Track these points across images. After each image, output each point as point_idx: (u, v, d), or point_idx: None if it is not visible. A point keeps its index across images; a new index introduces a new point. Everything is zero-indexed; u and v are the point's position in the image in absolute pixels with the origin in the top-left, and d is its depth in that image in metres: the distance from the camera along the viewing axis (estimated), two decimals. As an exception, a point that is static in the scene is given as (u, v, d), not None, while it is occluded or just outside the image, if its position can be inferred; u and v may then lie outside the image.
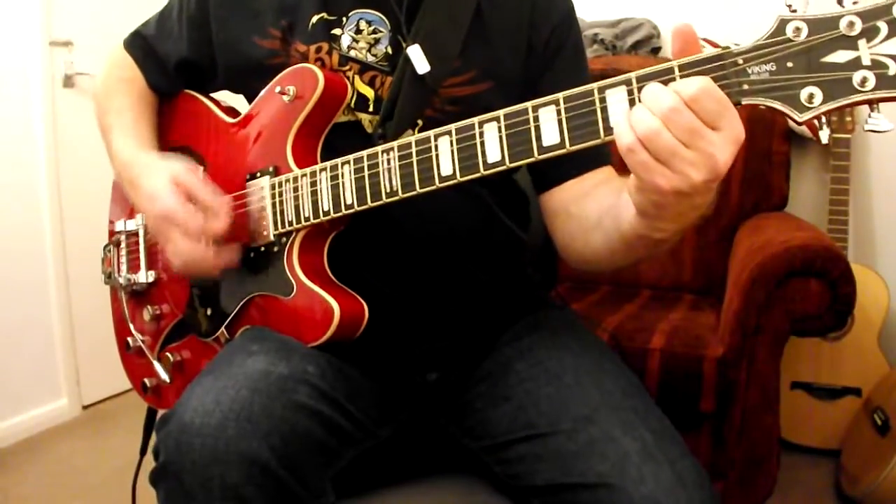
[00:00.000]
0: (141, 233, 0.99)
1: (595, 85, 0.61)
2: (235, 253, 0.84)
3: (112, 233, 1.06)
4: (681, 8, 2.18)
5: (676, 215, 0.61)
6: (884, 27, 0.52)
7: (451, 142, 0.69)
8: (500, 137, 0.66)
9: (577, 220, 0.83)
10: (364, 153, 0.76)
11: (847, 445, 1.79)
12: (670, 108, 0.55)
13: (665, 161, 0.56)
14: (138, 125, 0.95)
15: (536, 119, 0.64)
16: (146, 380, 1.00)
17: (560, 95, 0.63)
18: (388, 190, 0.74)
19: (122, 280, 1.01)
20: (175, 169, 0.84)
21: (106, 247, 1.06)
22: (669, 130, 0.55)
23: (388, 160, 0.74)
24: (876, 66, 0.52)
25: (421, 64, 0.82)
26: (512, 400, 0.81)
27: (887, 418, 1.64)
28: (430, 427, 0.91)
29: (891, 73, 0.52)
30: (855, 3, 0.53)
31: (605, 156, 0.86)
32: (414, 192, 0.72)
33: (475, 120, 0.68)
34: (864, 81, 0.53)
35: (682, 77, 0.58)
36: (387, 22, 0.86)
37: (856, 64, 0.53)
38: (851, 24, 0.53)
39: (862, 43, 0.53)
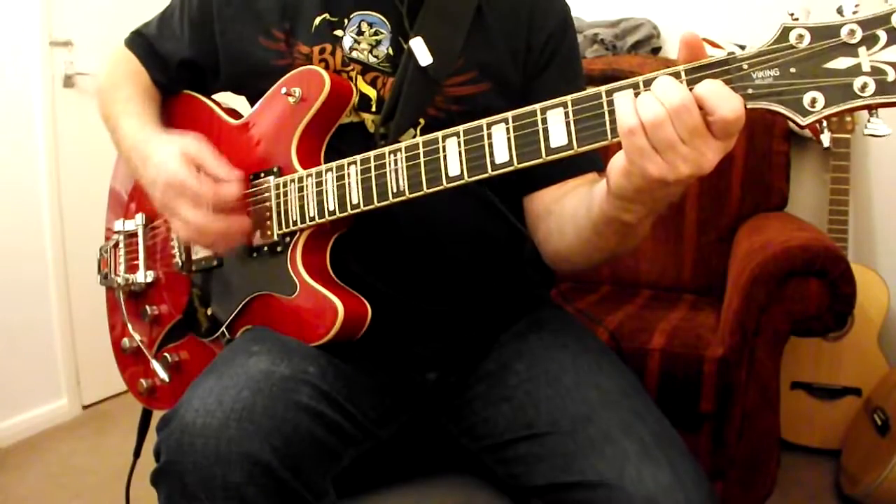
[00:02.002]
0: (140, 233, 0.99)
1: (603, 88, 0.62)
2: (246, 224, 0.83)
3: (109, 234, 1.06)
4: (681, 8, 2.18)
5: (651, 200, 0.64)
6: (883, 35, 0.54)
7: (459, 142, 0.70)
8: (509, 139, 0.67)
9: (555, 216, 0.84)
10: (371, 154, 0.76)
11: (847, 445, 1.80)
12: (681, 104, 0.57)
13: (661, 151, 0.58)
14: (146, 112, 0.94)
15: (545, 121, 0.65)
16: (142, 381, 1.00)
17: (568, 98, 0.64)
18: (395, 190, 0.74)
19: (119, 280, 1.01)
20: (184, 142, 0.82)
21: (102, 248, 1.06)
22: (673, 125, 0.57)
23: (396, 161, 0.74)
24: (875, 72, 0.54)
25: (423, 56, 0.82)
26: (511, 400, 0.82)
27: (887, 418, 1.64)
28: (431, 427, 0.91)
29: (889, 79, 0.54)
30: (855, 12, 0.55)
31: (596, 162, 0.86)
32: (421, 193, 0.73)
33: (483, 121, 0.69)
34: (864, 87, 0.54)
35: (688, 81, 0.59)
36: (387, 24, 0.86)
37: (856, 70, 0.55)
38: (852, 32, 0.55)
39: (862, 50, 0.54)
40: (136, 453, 1.06)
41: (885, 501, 1.51)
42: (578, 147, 0.64)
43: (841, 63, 0.55)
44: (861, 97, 0.54)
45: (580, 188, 0.82)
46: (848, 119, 1.85)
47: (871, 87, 0.54)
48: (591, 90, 0.63)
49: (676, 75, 0.59)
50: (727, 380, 1.30)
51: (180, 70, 0.98)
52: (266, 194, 0.84)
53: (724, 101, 0.56)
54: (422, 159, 0.72)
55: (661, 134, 0.57)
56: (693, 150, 0.58)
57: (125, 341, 1.02)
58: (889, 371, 1.81)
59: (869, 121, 0.57)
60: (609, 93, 0.62)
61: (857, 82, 0.54)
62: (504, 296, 0.93)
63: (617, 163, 0.62)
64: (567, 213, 0.81)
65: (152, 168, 0.82)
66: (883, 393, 1.74)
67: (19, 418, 2.15)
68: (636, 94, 0.60)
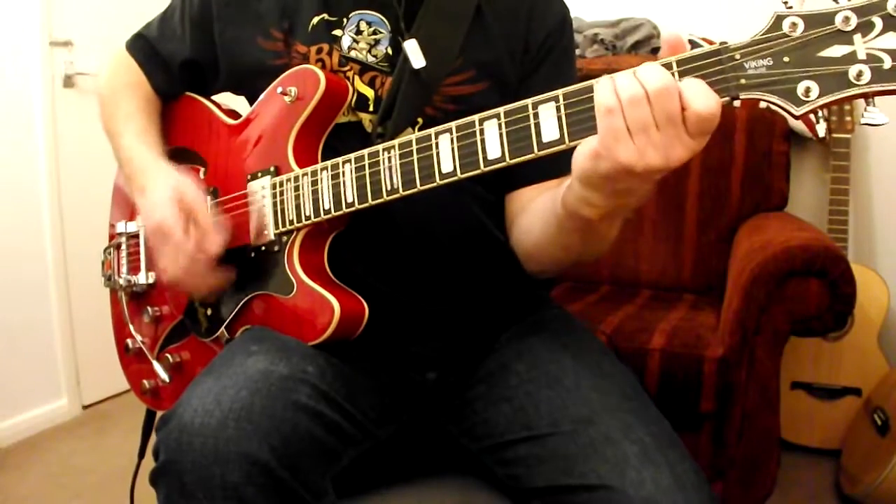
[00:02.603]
0: (142, 234, 0.99)
1: (594, 81, 0.62)
2: (226, 276, 0.85)
3: (112, 235, 1.06)
4: (681, 8, 2.18)
5: (613, 192, 0.63)
6: (878, 22, 0.53)
7: (452, 139, 0.70)
8: (501, 134, 0.67)
9: (527, 213, 0.84)
10: (365, 151, 0.76)
11: (847, 445, 1.79)
12: (663, 87, 0.56)
13: (634, 133, 0.57)
14: (148, 130, 0.94)
15: (536, 116, 0.65)
16: (145, 381, 1.00)
17: (559, 92, 0.64)
18: (389, 188, 0.74)
19: (122, 281, 1.01)
20: (181, 185, 0.83)
21: (106, 249, 1.07)
22: (651, 106, 0.57)
23: (389, 158, 0.74)
24: (871, 60, 0.53)
25: (416, 58, 0.82)
26: (511, 401, 0.82)
27: (887, 418, 1.64)
28: (430, 427, 0.91)
29: (886, 66, 0.53)
30: None
31: None
32: (415, 190, 0.72)
33: (475, 117, 0.69)
34: (859, 75, 0.53)
35: (679, 72, 0.58)
36: (387, 23, 0.86)
37: (851, 58, 0.54)
38: (847, 20, 0.54)
39: (857, 38, 0.54)
40: (141, 454, 1.05)
41: (885, 501, 1.51)
42: (570, 141, 0.63)
43: (836, 51, 0.54)
44: (857, 85, 0.54)
45: (552, 188, 0.82)
46: (848, 119, 1.85)
47: (867, 76, 0.53)
48: (582, 83, 0.63)
49: (668, 66, 0.59)
50: (727, 380, 1.30)
51: (182, 71, 0.98)
52: (263, 194, 0.84)
53: (700, 97, 0.56)
54: (415, 156, 0.72)
55: (638, 113, 0.57)
56: (664, 136, 0.57)
57: (128, 342, 1.02)
58: (889, 371, 1.81)
59: (866, 109, 0.56)
60: None
61: (853, 70, 0.54)
62: (504, 296, 0.93)
63: (586, 145, 0.61)
64: (536, 210, 0.81)
65: (147, 203, 0.84)
66: (883, 393, 1.74)
67: (19, 418, 2.14)
68: None
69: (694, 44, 0.60)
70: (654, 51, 2.14)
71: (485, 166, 0.68)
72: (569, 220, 0.70)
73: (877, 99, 0.56)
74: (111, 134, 0.96)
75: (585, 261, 0.80)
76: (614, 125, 0.58)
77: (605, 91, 0.59)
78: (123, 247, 1.02)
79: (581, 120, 0.62)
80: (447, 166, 0.70)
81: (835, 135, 1.86)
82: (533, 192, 0.86)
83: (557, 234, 0.74)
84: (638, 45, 2.12)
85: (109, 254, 1.05)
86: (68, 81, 2.27)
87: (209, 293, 0.87)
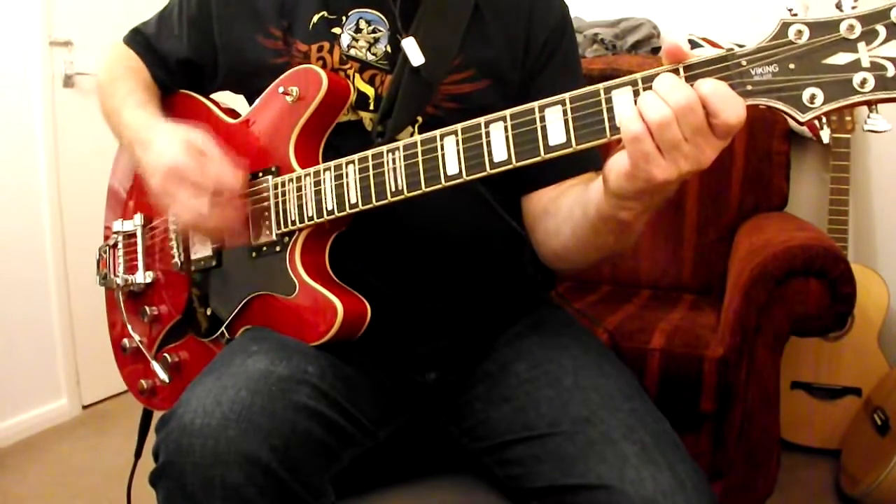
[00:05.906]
0: (139, 233, 0.99)
1: (601, 85, 0.62)
2: (244, 217, 0.83)
3: (108, 234, 1.06)
4: (681, 8, 2.17)
5: (650, 199, 0.64)
6: (882, 31, 0.54)
7: (458, 141, 0.70)
8: (507, 137, 0.67)
9: (552, 216, 0.84)
10: (369, 152, 0.76)
11: (847, 445, 1.79)
12: (687, 104, 0.57)
13: (665, 152, 0.58)
14: (150, 102, 0.94)
15: (543, 119, 0.65)
16: (142, 381, 1.00)
17: (566, 95, 0.64)
18: (394, 189, 0.74)
19: (119, 281, 1.00)
20: (189, 130, 0.82)
21: (101, 248, 1.06)
22: (678, 124, 0.57)
23: (394, 159, 0.74)
24: (875, 68, 0.54)
25: (415, 56, 0.83)
26: (511, 401, 0.82)
27: (887, 418, 1.64)
28: (430, 428, 0.91)
29: (889, 74, 0.53)
30: (854, 7, 0.55)
31: (596, 161, 0.86)
32: (419, 192, 0.72)
33: (481, 120, 0.69)
34: (863, 83, 0.54)
35: (686, 78, 0.58)
36: (386, 21, 0.86)
37: (855, 66, 0.54)
38: (851, 28, 0.54)
39: (861, 46, 0.54)
40: (137, 454, 1.05)
41: (885, 501, 1.51)
42: (577, 145, 0.63)
43: (840, 59, 0.55)
44: (860, 93, 0.54)
45: (575, 187, 0.82)
46: (848, 119, 1.85)
47: (871, 83, 0.54)
48: (589, 87, 0.63)
49: (675, 72, 0.59)
50: (727, 380, 1.30)
51: (179, 69, 0.98)
52: (264, 194, 0.84)
53: (729, 106, 0.56)
54: (420, 158, 0.72)
55: (668, 135, 0.57)
56: (694, 147, 0.58)
57: (125, 342, 1.02)
58: (889, 371, 1.81)
59: (869, 116, 0.57)
60: (608, 90, 0.62)
61: (857, 78, 0.54)
62: (504, 295, 0.93)
63: (617, 164, 0.61)
64: (563, 212, 0.81)
65: (154, 154, 0.82)
66: (883, 393, 1.74)
67: (19, 418, 2.14)
68: (635, 93, 0.60)
69: (694, 44, 0.60)
70: (654, 51, 2.14)
71: (491, 169, 0.68)
72: (604, 224, 0.70)
73: (880, 106, 0.56)
74: (111, 112, 0.95)
75: (614, 255, 0.80)
76: (644, 150, 0.58)
77: (629, 115, 0.59)
78: (120, 246, 1.02)
79: (589, 124, 0.63)
80: (452, 168, 0.70)
81: (835, 135, 1.86)
82: (553, 191, 0.86)
83: (592, 237, 0.74)
84: (638, 44, 2.12)
85: (105, 252, 1.05)
86: (68, 81, 2.27)
87: (228, 235, 0.84)
